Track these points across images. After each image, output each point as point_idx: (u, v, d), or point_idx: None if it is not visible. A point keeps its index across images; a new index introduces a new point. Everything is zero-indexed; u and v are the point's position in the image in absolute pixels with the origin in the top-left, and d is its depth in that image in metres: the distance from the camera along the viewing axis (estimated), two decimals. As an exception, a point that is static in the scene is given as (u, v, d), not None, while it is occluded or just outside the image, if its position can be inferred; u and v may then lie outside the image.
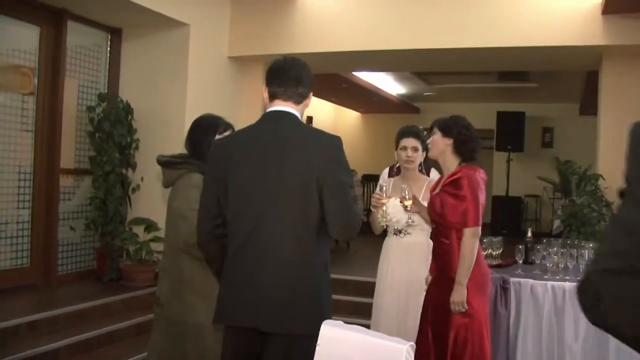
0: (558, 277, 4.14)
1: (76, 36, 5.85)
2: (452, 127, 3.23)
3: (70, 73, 5.82)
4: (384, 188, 3.46)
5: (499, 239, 4.72)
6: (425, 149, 3.61)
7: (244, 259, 2.42)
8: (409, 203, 3.39)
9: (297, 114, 2.52)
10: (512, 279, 4.14)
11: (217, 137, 2.95)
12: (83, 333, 4.49)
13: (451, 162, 3.26)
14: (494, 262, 4.61)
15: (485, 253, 4.65)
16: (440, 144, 3.26)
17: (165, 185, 3.12)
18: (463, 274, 3.13)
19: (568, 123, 11.75)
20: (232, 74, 6.96)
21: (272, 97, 2.51)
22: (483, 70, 8.35)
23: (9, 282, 5.19)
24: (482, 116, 12.62)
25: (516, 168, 11.67)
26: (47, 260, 5.49)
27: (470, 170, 3.19)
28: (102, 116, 5.70)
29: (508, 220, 10.94)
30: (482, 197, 3.20)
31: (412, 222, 3.67)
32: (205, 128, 3.02)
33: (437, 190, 3.33)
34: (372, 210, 3.64)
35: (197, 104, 5.70)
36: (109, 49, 6.23)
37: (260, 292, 2.36)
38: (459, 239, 3.18)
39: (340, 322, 1.67)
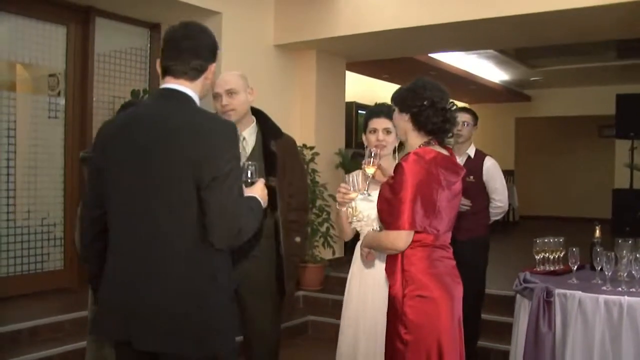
0: (620, 289, 3.24)
1: (117, 34, 5.76)
2: (405, 99, 2.47)
3: (110, 72, 5.72)
4: (352, 179, 2.75)
5: (557, 239, 3.89)
6: None
7: (120, 267, 2.08)
8: (371, 171, 2.68)
9: (191, 92, 2.15)
10: (557, 290, 3.32)
11: None
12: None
13: (415, 143, 2.50)
14: (550, 268, 3.80)
15: (538, 257, 3.84)
16: (400, 122, 2.52)
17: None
18: (368, 239, 2.64)
19: None
20: (281, 64, 6.52)
21: (164, 72, 2.16)
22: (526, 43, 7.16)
23: (42, 285, 5.15)
24: (600, 101, 11.29)
25: (642, 157, 10.12)
26: (81, 263, 5.35)
27: (421, 156, 2.40)
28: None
29: (633, 217, 9.54)
30: (443, 193, 2.40)
31: None
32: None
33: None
34: (338, 209, 2.88)
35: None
36: (149, 45, 6.06)
37: (133, 304, 2.02)
38: None
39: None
